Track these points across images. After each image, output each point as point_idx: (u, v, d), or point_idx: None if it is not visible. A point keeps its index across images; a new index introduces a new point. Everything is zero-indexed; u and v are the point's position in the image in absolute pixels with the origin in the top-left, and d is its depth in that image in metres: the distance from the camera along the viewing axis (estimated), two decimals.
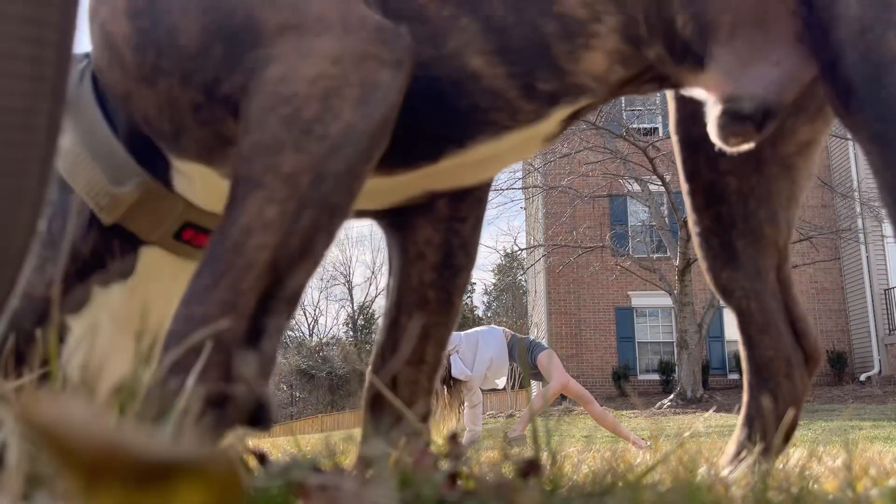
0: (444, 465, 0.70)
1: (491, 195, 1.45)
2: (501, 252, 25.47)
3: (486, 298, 40.54)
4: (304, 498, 0.53)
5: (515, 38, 1.09)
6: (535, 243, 18.50)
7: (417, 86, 1.05)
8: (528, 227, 21.07)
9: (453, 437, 0.76)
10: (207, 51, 0.99)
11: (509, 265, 30.75)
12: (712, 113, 1.19)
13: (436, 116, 1.11)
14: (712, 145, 1.30)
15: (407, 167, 1.16)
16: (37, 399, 0.36)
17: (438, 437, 1.31)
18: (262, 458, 0.77)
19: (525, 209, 20.53)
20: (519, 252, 22.78)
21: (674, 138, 1.44)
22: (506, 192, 16.29)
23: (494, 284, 35.98)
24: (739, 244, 1.39)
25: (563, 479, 0.73)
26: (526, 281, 24.86)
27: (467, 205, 1.35)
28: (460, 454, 0.71)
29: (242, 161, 0.92)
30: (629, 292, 17.35)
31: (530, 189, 17.36)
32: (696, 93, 1.24)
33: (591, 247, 15.57)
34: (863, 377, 15.44)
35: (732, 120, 1.16)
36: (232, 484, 0.38)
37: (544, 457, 0.71)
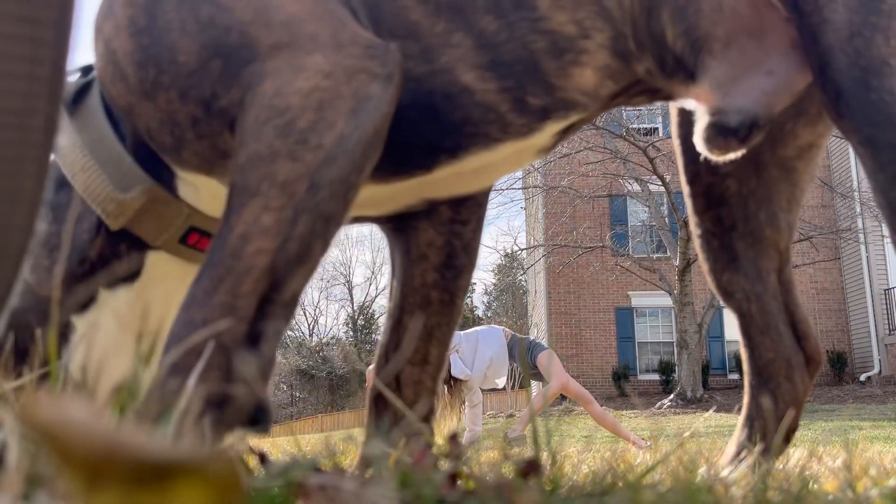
0: (444, 465, 0.70)
1: (491, 195, 1.46)
2: (501, 252, 25.45)
3: (486, 298, 40.54)
4: (304, 498, 0.53)
5: (506, 53, 1.12)
6: (535, 243, 18.50)
7: (412, 98, 1.09)
8: (528, 227, 21.06)
9: (453, 437, 0.76)
10: (205, 67, 1.02)
11: (509, 265, 30.75)
12: (700, 123, 1.21)
13: (430, 127, 1.14)
14: None
15: (402, 175, 1.18)
16: (37, 399, 0.36)
17: (438, 437, 1.31)
18: (262, 458, 0.77)
19: (525, 209, 20.53)
20: (519, 252, 22.77)
21: (675, 141, 1.44)
22: (506, 192, 16.31)
23: (494, 284, 35.99)
24: (740, 246, 1.39)
25: (563, 479, 0.73)
26: (526, 281, 24.85)
27: (468, 208, 1.37)
28: (460, 454, 0.71)
29: (239, 171, 0.94)
30: (629, 292, 17.35)
31: (530, 189, 17.37)
32: (687, 103, 1.25)
33: (591, 247, 15.57)
34: (863, 377, 15.43)
35: (718, 133, 1.18)
36: (232, 484, 0.38)
37: (544, 457, 0.71)
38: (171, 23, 1.05)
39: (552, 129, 1.20)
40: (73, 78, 1.27)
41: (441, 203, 1.35)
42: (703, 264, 1.44)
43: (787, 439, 1.33)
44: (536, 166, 15.76)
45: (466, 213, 1.37)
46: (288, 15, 1.01)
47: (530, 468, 0.68)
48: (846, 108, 1.07)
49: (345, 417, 24.41)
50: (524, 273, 23.45)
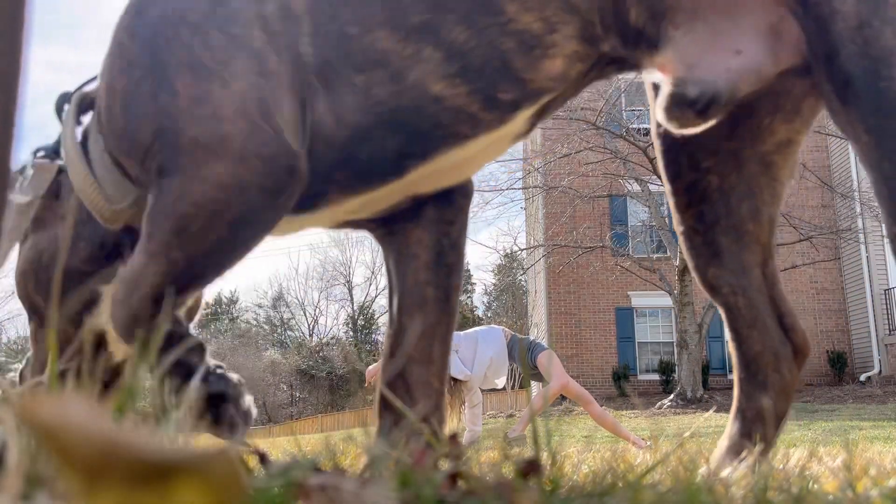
0: (445, 465, 0.70)
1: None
2: (501, 252, 25.39)
3: (486, 298, 40.52)
4: (304, 498, 0.53)
5: (476, 58, 1.18)
6: (535, 243, 18.48)
7: (376, 120, 1.19)
8: (528, 227, 21.04)
9: (453, 437, 0.76)
10: (140, 136, 1.22)
11: (509, 265, 30.73)
12: (661, 93, 1.25)
13: (398, 139, 1.22)
14: (693, 145, 1.37)
15: (373, 186, 1.28)
16: (37, 399, 0.36)
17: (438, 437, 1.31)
18: (262, 458, 0.77)
19: (525, 209, 20.50)
20: (519, 252, 22.75)
21: (655, 141, 1.47)
22: (506, 192, 16.29)
23: (494, 284, 35.97)
24: (724, 241, 1.41)
25: (563, 479, 0.73)
26: (526, 281, 24.83)
27: (452, 210, 1.45)
28: (460, 454, 0.71)
29: (142, 248, 1.18)
30: (629, 292, 17.34)
31: (530, 189, 17.35)
32: (654, 75, 1.28)
33: (591, 247, 15.56)
34: (863, 377, 15.43)
35: (675, 103, 1.21)
36: (232, 484, 0.38)
37: (544, 457, 0.71)
38: (132, 105, 1.24)
39: (524, 115, 1.25)
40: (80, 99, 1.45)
41: (427, 207, 1.42)
42: (688, 261, 1.46)
43: (778, 429, 1.35)
44: (536, 166, 15.75)
45: (451, 214, 1.45)
46: (212, 111, 1.16)
47: (530, 468, 0.68)
48: (854, 96, 1.09)
49: (345, 417, 24.40)
50: (524, 273, 23.45)
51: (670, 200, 1.47)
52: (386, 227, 1.46)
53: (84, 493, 0.36)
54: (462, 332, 6.00)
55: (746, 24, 1.20)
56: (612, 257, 16.66)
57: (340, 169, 1.23)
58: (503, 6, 1.16)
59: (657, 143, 1.46)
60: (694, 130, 1.25)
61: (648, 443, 5.15)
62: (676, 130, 1.26)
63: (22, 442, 0.48)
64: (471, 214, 1.49)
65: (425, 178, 1.31)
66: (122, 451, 0.35)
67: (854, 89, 1.09)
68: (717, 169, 1.40)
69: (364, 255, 42.86)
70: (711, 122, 1.23)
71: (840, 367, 16.06)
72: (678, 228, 1.46)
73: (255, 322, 41.08)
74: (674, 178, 1.45)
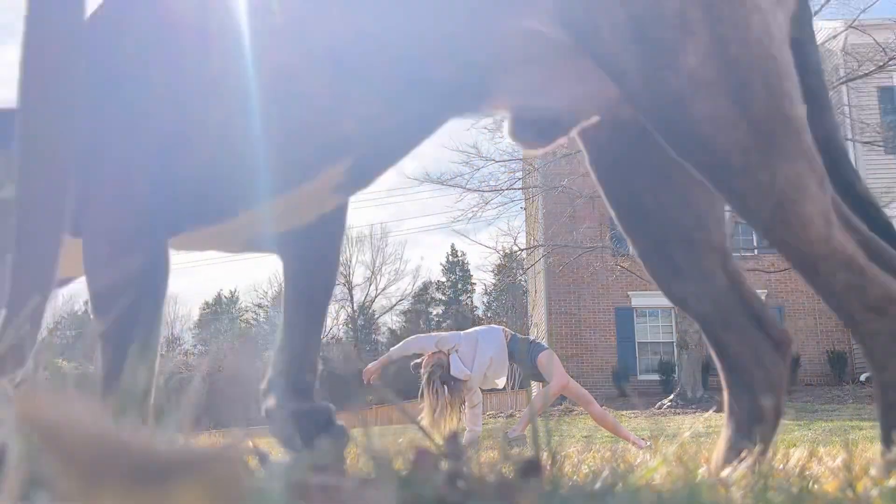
0: (445, 465, 0.70)
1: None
2: (501, 252, 25.39)
3: (486, 298, 40.52)
4: (304, 498, 0.53)
5: (277, 135, 1.37)
6: (535, 243, 18.48)
7: (211, 177, 1.42)
8: (528, 227, 21.03)
9: (453, 437, 0.76)
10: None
11: (509, 265, 30.72)
12: (507, 120, 1.34)
13: (228, 191, 1.46)
14: (623, 170, 1.45)
15: (221, 221, 1.51)
16: (37, 399, 0.36)
17: (438, 437, 1.31)
18: (262, 458, 0.77)
19: (525, 209, 20.50)
20: (519, 252, 22.75)
21: (590, 171, 1.52)
22: (506, 192, 16.29)
23: (494, 284, 35.95)
24: (678, 254, 1.43)
25: (563, 479, 0.73)
26: (526, 281, 24.82)
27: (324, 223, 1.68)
28: (460, 454, 0.71)
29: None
30: (629, 292, 17.35)
31: (530, 189, 17.35)
32: (496, 113, 1.39)
33: (591, 247, 15.56)
34: (863, 377, 15.42)
35: (519, 128, 1.30)
36: (232, 484, 0.38)
37: (544, 457, 0.71)
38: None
39: (331, 173, 1.42)
40: None
41: (305, 228, 1.65)
42: (652, 280, 1.48)
43: (775, 425, 1.34)
44: (536, 166, 15.75)
45: (323, 227, 1.69)
46: (107, 200, 1.40)
47: (530, 468, 0.68)
48: (664, 137, 1.16)
49: (345, 417, 24.36)
50: (524, 273, 23.45)
51: (618, 225, 1.50)
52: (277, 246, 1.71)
53: (84, 493, 0.36)
54: (462, 332, 5.99)
55: (565, 68, 1.27)
56: (612, 257, 16.65)
57: (193, 208, 1.47)
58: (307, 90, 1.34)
59: (592, 173, 1.51)
60: (540, 151, 1.37)
61: (648, 443, 5.15)
62: (525, 150, 1.38)
63: (22, 442, 0.48)
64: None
65: (253, 226, 1.57)
66: (122, 451, 0.35)
67: (661, 132, 1.16)
68: (649, 187, 1.43)
69: (364, 255, 42.80)
70: (556, 143, 1.33)
71: (840, 367, 16.06)
72: (634, 251, 1.49)
73: (255, 322, 41.10)
74: (616, 205, 1.49)
